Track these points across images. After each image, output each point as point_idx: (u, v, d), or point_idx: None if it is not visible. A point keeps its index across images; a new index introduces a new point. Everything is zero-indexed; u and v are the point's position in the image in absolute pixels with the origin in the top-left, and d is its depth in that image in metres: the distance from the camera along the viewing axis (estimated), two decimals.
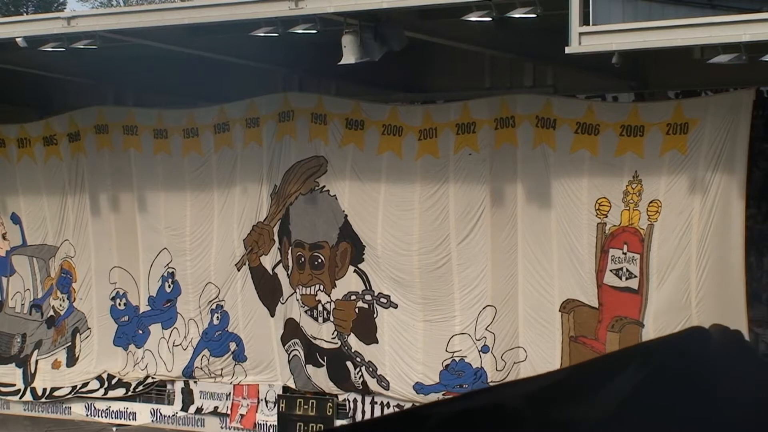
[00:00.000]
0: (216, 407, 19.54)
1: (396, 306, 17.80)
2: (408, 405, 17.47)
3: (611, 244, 16.16)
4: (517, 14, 14.68)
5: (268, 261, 18.94)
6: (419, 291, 17.56)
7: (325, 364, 18.52)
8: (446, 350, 17.42)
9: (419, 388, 17.65)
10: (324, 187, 18.30)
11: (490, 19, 14.81)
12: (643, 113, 16.17)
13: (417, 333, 17.64)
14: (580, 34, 14.13)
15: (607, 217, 16.19)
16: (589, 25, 14.10)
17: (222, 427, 19.56)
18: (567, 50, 14.23)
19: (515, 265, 16.79)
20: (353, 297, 18.16)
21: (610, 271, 16.17)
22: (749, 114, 15.33)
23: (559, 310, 16.50)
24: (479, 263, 17.09)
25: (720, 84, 16.58)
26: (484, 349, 17.17)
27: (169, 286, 20.00)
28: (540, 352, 16.58)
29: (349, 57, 15.58)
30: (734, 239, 15.39)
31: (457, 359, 17.36)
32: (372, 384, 18.16)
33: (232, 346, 19.37)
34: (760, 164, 16.78)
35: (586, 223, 16.27)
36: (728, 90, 16.18)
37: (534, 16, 14.61)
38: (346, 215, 18.10)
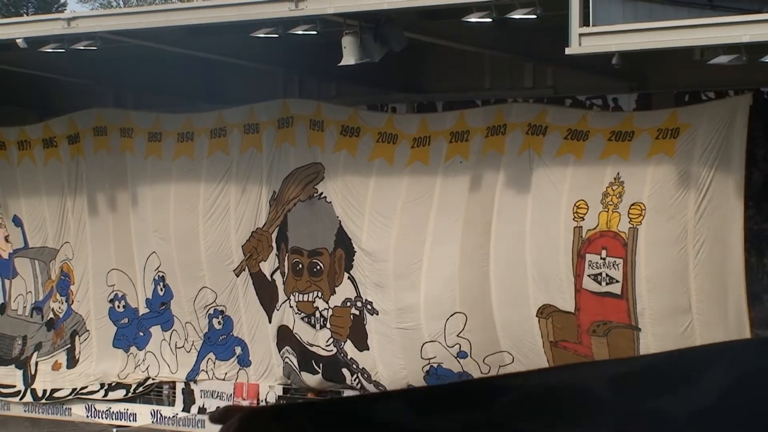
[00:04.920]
0: (218, 408, 19.38)
1: (377, 313, 17.69)
2: None
3: (588, 250, 15.88)
4: (517, 15, 14.51)
5: (266, 267, 18.78)
6: (393, 298, 17.41)
7: (320, 371, 18.39)
8: (421, 357, 17.24)
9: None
10: (322, 193, 18.16)
11: (490, 20, 14.67)
12: (637, 120, 15.96)
13: (395, 340, 17.50)
14: (581, 35, 13.96)
15: (583, 220, 15.89)
16: (589, 26, 13.93)
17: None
18: (567, 51, 14.07)
19: (487, 273, 16.51)
20: (348, 303, 18.04)
21: (588, 276, 15.90)
22: (746, 117, 15.08)
23: (536, 316, 16.22)
24: (445, 271, 16.85)
25: (720, 85, 16.44)
26: (462, 355, 16.93)
27: (161, 290, 19.85)
28: (527, 355, 16.30)
29: (349, 58, 15.42)
30: (734, 241, 15.13)
31: (435, 365, 17.18)
32: (370, 389, 17.99)
33: (237, 350, 19.23)
34: (760, 166, 16.61)
35: (563, 226, 15.99)
36: (728, 91, 15.99)
37: (534, 17, 14.44)
38: (340, 221, 17.97)
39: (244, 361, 19.20)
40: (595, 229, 15.92)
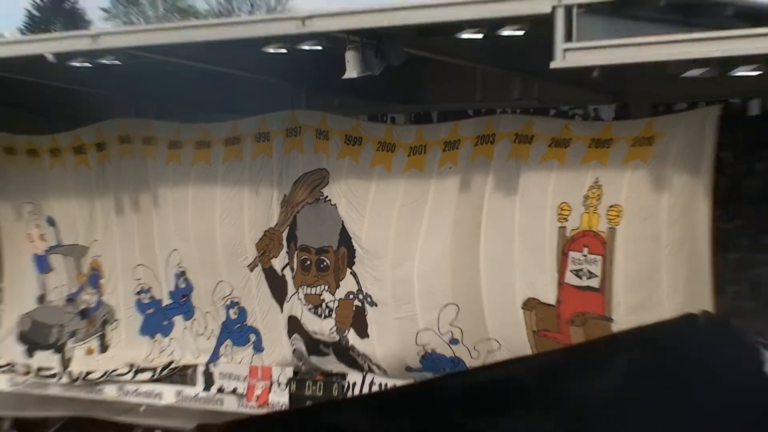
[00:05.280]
0: (235, 388, 19.23)
1: (376, 304, 17.58)
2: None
3: (571, 247, 15.72)
4: (506, 32, 14.24)
5: (277, 263, 18.73)
6: (391, 291, 17.30)
7: (330, 353, 18.29)
8: (416, 344, 17.09)
9: (410, 371, 17.36)
10: (327, 197, 18.05)
11: (481, 36, 14.41)
12: (615, 129, 15.78)
13: (392, 328, 17.36)
14: (564, 50, 13.69)
15: (567, 221, 15.73)
16: (572, 41, 13.70)
17: (239, 406, 19.19)
18: (552, 65, 13.83)
19: (477, 268, 16.35)
20: (351, 296, 17.96)
21: (570, 271, 15.73)
22: (714, 127, 14.87)
23: (522, 308, 16.04)
24: (438, 267, 16.71)
25: (693, 96, 16.28)
26: (453, 342, 16.76)
27: (183, 283, 19.83)
28: (513, 343, 16.09)
29: (351, 72, 15.21)
30: (701, 240, 14.92)
31: (429, 351, 17.03)
32: (373, 371, 17.90)
33: (252, 337, 19.19)
34: (727, 171, 16.30)
35: (549, 226, 15.82)
36: (699, 102, 15.80)
37: (521, 33, 14.18)
38: (343, 221, 17.86)
39: (257, 347, 19.12)
40: (578, 228, 15.73)
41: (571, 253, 15.79)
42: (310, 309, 18.44)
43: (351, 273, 17.96)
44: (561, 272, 15.88)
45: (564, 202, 15.81)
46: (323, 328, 18.28)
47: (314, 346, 18.41)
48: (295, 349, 18.65)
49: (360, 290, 17.88)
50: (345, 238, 17.95)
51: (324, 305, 18.30)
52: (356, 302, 17.95)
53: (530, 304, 16.12)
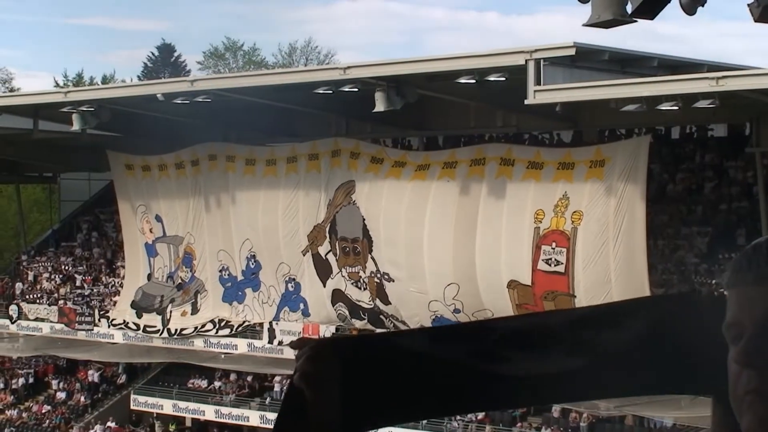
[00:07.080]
0: (291, 341, 19.57)
1: (393, 280, 17.89)
2: None
3: (542, 242, 16.06)
4: (492, 77, 14.61)
5: (322, 250, 19.06)
6: (405, 271, 17.62)
7: (366, 318, 18.53)
8: (429, 310, 17.43)
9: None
10: (354, 201, 18.41)
11: (474, 81, 14.78)
12: (573, 154, 16.06)
13: (408, 297, 17.65)
14: (535, 91, 14.04)
15: (541, 223, 16.05)
16: (540, 85, 14.06)
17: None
18: (526, 102, 14.16)
19: (473, 256, 16.69)
20: (372, 274, 18.30)
21: (542, 260, 16.07)
22: (647, 151, 15.24)
23: (507, 287, 16.40)
24: (443, 256, 17.02)
25: (629, 125, 16.48)
26: (456, 311, 17.09)
27: (253, 264, 20.01)
28: (503, 312, 16.25)
29: (379, 106, 15.55)
30: (638, 232, 15.20)
31: (438, 316, 17.34)
32: (399, 326, 18.20)
33: (302, 305, 19.39)
34: (656, 179, 16.67)
35: (527, 227, 16.16)
36: (635, 129, 16.17)
37: (503, 78, 14.55)
38: (364, 218, 18.23)
39: (306, 313, 19.34)
40: (548, 228, 16.04)
41: (543, 247, 16.12)
42: (352, 283, 18.72)
43: (372, 258, 18.25)
44: (535, 261, 16.22)
45: (539, 209, 16.15)
46: (363, 296, 18.55)
47: (356, 311, 18.66)
48: (339, 314, 18.86)
49: (378, 270, 18.18)
50: (366, 231, 18.30)
51: (361, 280, 18.58)
52: (376, 279, 18.25)
53: (512, 285, 16.46)
